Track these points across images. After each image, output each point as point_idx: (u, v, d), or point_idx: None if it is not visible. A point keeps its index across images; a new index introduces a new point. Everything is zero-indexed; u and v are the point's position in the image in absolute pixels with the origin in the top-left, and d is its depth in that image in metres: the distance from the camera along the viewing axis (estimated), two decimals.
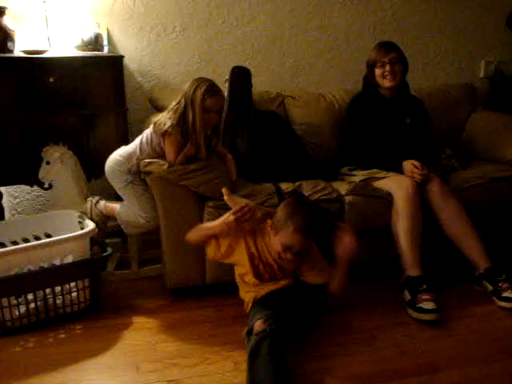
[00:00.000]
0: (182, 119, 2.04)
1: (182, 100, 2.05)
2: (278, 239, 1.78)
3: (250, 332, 1.71)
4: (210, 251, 1.90)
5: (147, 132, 2.15)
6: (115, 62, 2.50)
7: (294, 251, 1.77)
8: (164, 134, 2.05)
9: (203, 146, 2.05)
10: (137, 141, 2.17)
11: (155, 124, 2.09)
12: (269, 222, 1.83)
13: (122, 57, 2.54)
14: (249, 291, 1.92)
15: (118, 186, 2.22)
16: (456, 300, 2.10)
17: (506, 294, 2.04)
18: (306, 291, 1.90)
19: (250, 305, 1.90)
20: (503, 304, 2.04)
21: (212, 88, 2.05)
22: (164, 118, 2.07)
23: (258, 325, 1.69)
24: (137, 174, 2.17)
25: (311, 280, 1.90)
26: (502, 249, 2.34)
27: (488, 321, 1.97)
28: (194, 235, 1.92)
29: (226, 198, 1.92)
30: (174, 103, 2.08)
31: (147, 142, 2.13)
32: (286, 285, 1.90)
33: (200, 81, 2.06)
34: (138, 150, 2.14)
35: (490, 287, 2.10)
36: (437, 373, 1.66)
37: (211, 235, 1.88)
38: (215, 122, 2.11)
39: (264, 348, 1.59)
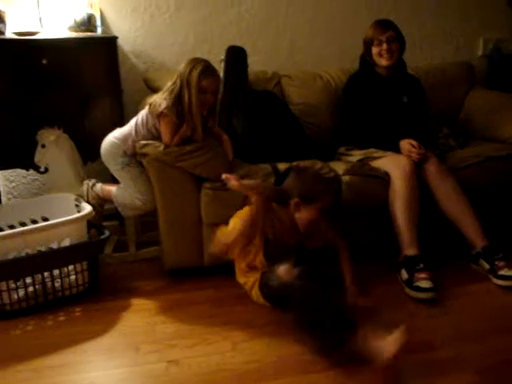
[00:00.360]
0: (177, 100, 2.02)
1: (178, 81, 2.03)
2: (311, 210, 1.83)
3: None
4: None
5: (142, 113, 2.13)
6: (109, 43, 2.47)
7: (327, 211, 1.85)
8: (159, 115, 2.04)
9: (200, 127, 2.04)
10: (132, 122, 2.16)
11: (150, 105, 2.07)
12: (295, 200, 1.85)
13: (116, 38, 2.52)
14: (249, 271, 1.93)
15: (113, 168, 2.21)
16: (453, 278, 2.10)
17: (502, 272, 2.05)
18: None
19: (255, 286, 1.91)
20: (499, 282, 2.05)
21: (208, 68, 2.03)
22: (159, 99, 2.05)
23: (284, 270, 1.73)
24: (133, 156, 2.16)
25: (318, 241, 1.94)
26: (499, 227, 2.34)
27: (484, 299, 1.99)
28: (219, 246, 1.88)
29: (235, 183, 1.90)
30: (169, 84, 2.06)
31: (142, 124, 2.11)
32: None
33: (196, 61, 2.04)
34: (133, 132, 2.12)
35: (487, 265, 2.11)
36: (433, 351, 1.67)
37: (237, 237, 1.86)
38: (211, 103, 2.10)
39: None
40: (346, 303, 1.74)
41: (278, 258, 1.84)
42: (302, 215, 1.86)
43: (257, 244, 1.88)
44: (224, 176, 1.94)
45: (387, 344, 1.48)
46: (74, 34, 2.42)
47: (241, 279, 1.98)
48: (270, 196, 1.88)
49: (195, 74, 2.00)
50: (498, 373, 1.56)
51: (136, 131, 2.12)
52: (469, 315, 1.86)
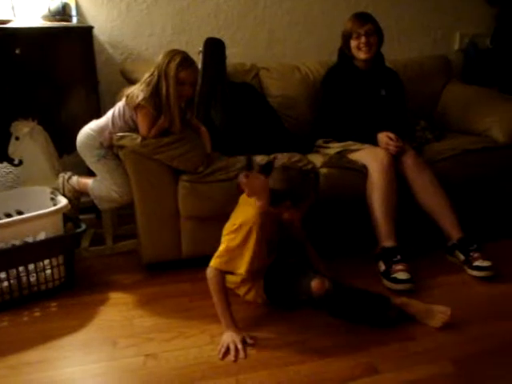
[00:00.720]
0: (155, 92, 2.00)
1: (156, 72, 2.00)
2: (299, 210, 1.81)
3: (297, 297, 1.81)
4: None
5: (119, 105, 2.10)
6: (84, 33, 2.43)
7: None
8: (137, 107, 2.01)
9: (177, 119, 2.02)
10: (109, 114, 2.13)
11: (127, 97, 2.05)
12: (287, 203, 1.78)
13: (92, 27, 2.48)
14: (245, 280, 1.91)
15: (90, 160, 2.18)
16: (429, 270, 2.13)
17: (477, 263, 2.08)
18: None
19: (254, 287, 1.89)
20: (474, 273, 2.08)
21: (186, 60, 2.01)
22: (137, 91, 2.02)
23: (317, 286, 1.73)
24: (109, 148, 2.13)
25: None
26: (475, 219, 2.38)
27: (460, 290, 2.02)
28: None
29: (244, 181, 1.85)
30: (146, 75, 2.04)
31: (119, 116, 2.08)
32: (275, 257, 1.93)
33: (173, 53, 2.02)
34: (110, 124, 2.09)
35: (462, 257, 2.14)
36: (411, 341, 1.69)
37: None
38: (189, 95, 2.08)
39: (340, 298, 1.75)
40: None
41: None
42: (291, 215, 1.82)
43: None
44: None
45: (439, 311, 1.76)
46: (48, 24, 2.37)
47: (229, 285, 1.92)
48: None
49: (173, 65, 1.97)
50: (474, 362, 1.59)
51: (113, 123, 2.09)
52: (446, 306, 1.88)
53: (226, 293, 1.76)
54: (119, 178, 2.14)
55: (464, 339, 1.70)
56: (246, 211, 1.81)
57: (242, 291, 1.94)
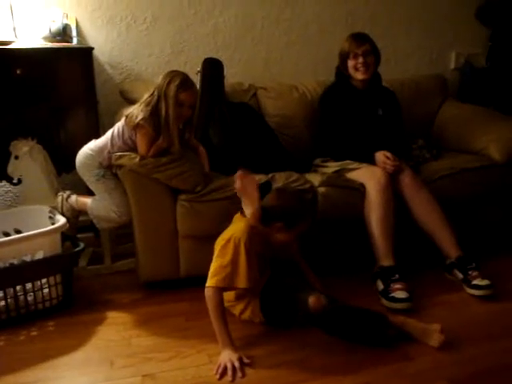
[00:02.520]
0: (154, 112, 2.01)
1: (155, 93, 2.02)
2: (292, 233, 1.83)
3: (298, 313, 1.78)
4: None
5: (119, 125, 2.12)
6: (84, 54, 2.45)
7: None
8: (136, 127, 2.03)
9: (177, 140, 2.03)
10: (108, 134, 2.14)
11: (127, 117, 2.06)
12: (279, 224, 1.80)
13: (92, 48, 2.50)
14: (240, 298, 1.92)
15: (89, 180, 2.19)
16: (428, 288, 2.13)
17: (475, 282, 2.08)
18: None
19: (250, 306, 1.89)
20: (473, 292, 2.08)
21: (186, 81, 2.03)
22: (136, 111, 2.04)
23: (315, 301, 1.71)
24: (108, 168, 2.14)
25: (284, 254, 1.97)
26: (473, 238, 2.38)
27: (458, 308, 2.01)
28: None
29: (239, 183, 1.84)
30: (146, 96, 2.06)
31: (118, 135, 2.10)
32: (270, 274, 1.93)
33: (173, 74, 2.04)
34: (109, 144, 2.11)
35: (461, 275, 2.14)
36: (409, 361, 1.69)
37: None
38: (188, 116, 2.10)
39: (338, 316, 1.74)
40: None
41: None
42: (282, 237, 1.84)
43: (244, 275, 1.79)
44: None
45: (432, 330, 1.76)
46: (49, 45, 2.40)
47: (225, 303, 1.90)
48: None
49: (173, 86, 1.99)
50: (472, 381, 1.58)
51: (112, 143, 2.10)
52: (444, 325, 1.87)
53: (224, 312, 1.76)
54: (118, 198, 2.15)
55: (462, 359, 1.69)
56: (236, 226, 1.83)
57: (237, 310, 1.93)
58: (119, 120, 2.15)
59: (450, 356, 1.70)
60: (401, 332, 1.78)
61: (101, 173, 2.14)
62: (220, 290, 1.75)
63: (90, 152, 2.14)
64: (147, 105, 2.03)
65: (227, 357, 1.66)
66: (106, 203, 2.17)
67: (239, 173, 1.84)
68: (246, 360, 1.67)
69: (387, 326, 1.77)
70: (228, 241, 1.77)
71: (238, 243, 1.75)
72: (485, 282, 2.06)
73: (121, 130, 2.10)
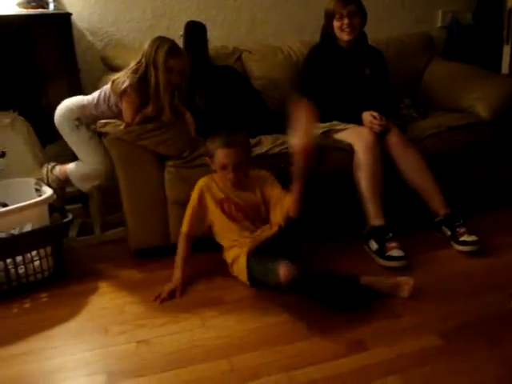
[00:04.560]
0: (142, 79, 1.98)
1: (143, 60, 1.99)
2: (216, 165, 1.93)
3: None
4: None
5: (105, 89, 2.09)
6: (62, 20, 2.39)
7: (232, 167, 1.90)
8: (122, 94, 2.00)
9: (168, 108, 2.01)
10: (94, 95, 2.11)
11: (113, 82, 2.02)
12: (206, 159, 1.98)
13: (70, 14, 2.43)
14: (232, 246, 1.94)
15: (64, 131, 2.15)
16: (417, 246, 2.14)
17: (463, 238, 2.11)
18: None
19: (237, 261, 1.92)
20: (461, 248, 2.11)
21: (174, 48, 2.00)
22: (122, 77, 2.00)
23: (285, 272, 1.69)
24: (86, 125, 2.13)
25: (280, 216, 1.93)
26: (460, 195, 2.40)
27: (447, 264, 2.04)
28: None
29: None
30: (133, 63, 2.02)
31: (104, 99, 2.07)
32: (272, 235, 1.93)
33: (161, 40, 2.00)
34: (93, 104, 2.09)
35: (449, 232, 2.17)
36: (399, 317, 1.72)
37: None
38: (178, 83, 2.06)
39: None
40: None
41: None
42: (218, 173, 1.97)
43: (219, 215, 1.98)
44: None
45: (403, 282, 1.81)
46: (24, 11, 2.32)
47: (224, 255, 2.01)
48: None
49: (161, 53, 1.96)
50: (460, 334, 1.61)
51: (96, 105, 2.08)
52: (433, 281, 1.92)
53: (185, 253, 1.97)
54: (93, 147, 2.14)
55: (450, 313, 1.72)
56: None
57: (229, 257, 1.97)
58: (102, 86, 2.11)
59: (438, 310, 1.73)
60: (369, 292, 1.80)
61: (76, 123, 2.12)
62: (183, 233, 1.98)
63: (72, 106, 2.12)
64: (135, 72, 1.99)
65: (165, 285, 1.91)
66: (80, 156, 2.15)
67: None
68: (177, 295, 1.88)
69: (356, 288, 1.78)
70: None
71: (195, 187, 1.98)
72: (472, 238, 2.09)
73: (107, 94, 2.07)
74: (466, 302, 1.77)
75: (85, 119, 2.10)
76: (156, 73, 1.96)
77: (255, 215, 2.00)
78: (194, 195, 1.99)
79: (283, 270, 1.69)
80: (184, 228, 1.99)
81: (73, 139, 2.15)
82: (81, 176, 2.20)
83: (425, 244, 2.18)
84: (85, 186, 2.24)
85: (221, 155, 1.90)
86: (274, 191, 1.99)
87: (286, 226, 1.91)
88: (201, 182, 2.00)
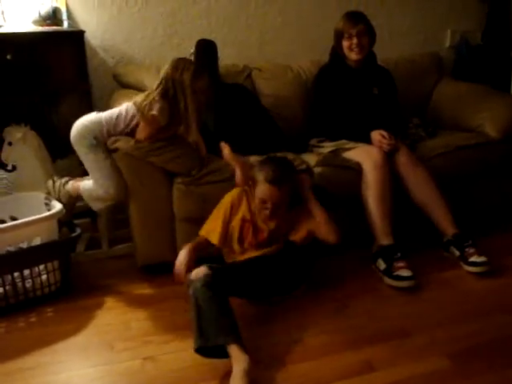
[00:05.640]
0: (172, 104, 1.99)
1: (170, 83, 1.99)
2: (255, 194, 1.85)
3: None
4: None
5: (128, 108, 2.06)
6: (76, 38, 2.42)
7: (271, 204, 1.82)
8: (151, 118, 1.98)
9: (195, 128, 2.02)
10: (114, 111, 2.08)
11: (139, 105, 2.01)
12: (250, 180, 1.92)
13: (83, 32, 2.46)
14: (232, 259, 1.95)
15: (80, 151, 2.11)
16: (425, 266, 2.13)
17: (472, 259, 2.09)
18: (292, 258, 1.91)
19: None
20: (470, 269, 2.09)
21: (198, 70, 2.02)
22: (149, 100, 1.99)
23: (202, 270, 1.74)
24: (102, 143, 2.11)
25: (298, 237, 1.91)
26: (470, 215, 2.39)
27: (456, 285, 2.03)
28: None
29: (227, 152, 2.06)
30: (157, 86, 2.01)
31: (125, 121, 2.05)
32: (270, 252, 1.90)
33: (185, 62, 2.02)
34: (112, 122, 2.05)
35: (458, 253, 2.15)
36: (407, 337, 1.70)
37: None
38: (205, 101, 2.08)
39: (208, 291, 1.64)
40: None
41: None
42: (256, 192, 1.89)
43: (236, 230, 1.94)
44: (222, 144, 2.07)
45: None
46: (39, 28, 2.36)
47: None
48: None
49: (187, 75, 1.98)
50: (469, 356, 1.60)
51: (115, 125, 2.05)
52: (442, 301, 1.90)
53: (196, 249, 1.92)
54: (106, 170, 2.08)
55: (460, 334, 1.70)
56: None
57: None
58: (113, 104, 2.12)
59: (447, 332, 1.72)
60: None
61: (93, 143, 2.08)
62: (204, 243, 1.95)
63: (87, 123, 2.07)
64: (163, 96, 1.99)
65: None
66: (97, 177, 2.11)
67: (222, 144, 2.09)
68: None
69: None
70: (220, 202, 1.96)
71: (224, 199, 1.94)
72: (481, 259, 2.08)
73: (129, 114, 2.04)
74: (476, 324, 1.76)
75: (102, 138, 2.08)
76: (184, 96, 1.98)
77: (268, 242, 1.94)
78: (224, 206, 1.93)
79: (195, 272, 1.76)
80: (214, 240, 1.92)
81: (88, 159, 2.12)
82: (93, 196, 2.18)
83: (433, 264, 2.17)
84: (96, 206, 2.23)
85: (263, 190, 1.83)
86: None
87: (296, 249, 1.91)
88: (232, 195, 1.95)
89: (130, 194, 2.08)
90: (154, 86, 2.03)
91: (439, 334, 1.71)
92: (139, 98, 2.05)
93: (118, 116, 2.07)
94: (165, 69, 2.02)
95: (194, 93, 2.00)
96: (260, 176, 1.84)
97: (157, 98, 1.99)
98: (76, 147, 2.14)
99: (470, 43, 3.29)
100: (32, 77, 2.31)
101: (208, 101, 2.12)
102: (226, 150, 2.11)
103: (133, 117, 2.05)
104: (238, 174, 2.03)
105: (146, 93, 2.05)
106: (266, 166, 1.86)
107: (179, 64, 2.01)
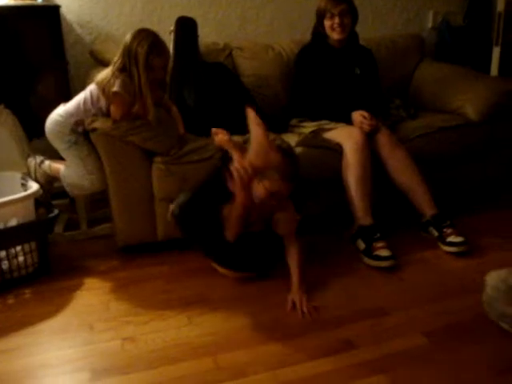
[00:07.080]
0: (129, 78, 1.93)
1: (126, 58, 1.92)
2: (262, 186, 1.78)
3: None
4: None
5: (91, 90, 2.02)
6: (51, 13, 2.37)
7: (278, 197, 1.79)
8: (113, 97, 1.94)
9: (152, 107, 1.96)
10: (79, 99, 2.04)
11: (101, 83, 1.96)
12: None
13: (58, 6, 2.41)
14: None
15: (60, 147, 2.11)
16: (404, 246, 2.16)
17: (450, 239, 2.12)
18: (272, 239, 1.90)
19: None
20: (448, 248, 2.12)
21: (155, 45, 1.93)
22: (111, 79, 1.94)
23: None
24: (81, 134, 2.07)
25: (281, 229, 1.88)
26: (448, 196, 2.41)
27: (434, 265, 2.05)
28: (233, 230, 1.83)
29: (223, 137, 1.87)
30: (117, 60, 1.96)
31: (92, 102, 2.01)
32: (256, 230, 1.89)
33: (142, 37, 1.92)
34: (81, 109, 2.02)
35: (436, 233, 2.18)
36: (385, 316, 1.72)
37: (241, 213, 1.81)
38: (161, 78, 2.03)
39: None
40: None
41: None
42: (256, 187, 1.80)
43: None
44: (214, 130, 1.93)
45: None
46: (11, 3, 2.29)
47: None
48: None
49: (142, 51, 1.89)
50: (445, 334, 1.62)
51: (84, 109, 2.01)
52: (420, 281, 1.92)
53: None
54: (91, 165, 2.09)
55: (436, 312, 1.73)
56: None
57: None
58: (91, 82, 2.07)
59: (425, 310, 1.74)
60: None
61: (72, 139, 2.06)
62: None
63: (60, 118, 2.05)
64: (121, 70, 1.94)
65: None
66: (78, 171, 2.10)
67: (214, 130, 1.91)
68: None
69: None
70: None
71: None
72: (459, 239, 2.10)
73: (94, 96, 2.00)
74: (453, 302, 1.78)
75: (77, 128, 2.03)
76: (138, 71, 1.90)
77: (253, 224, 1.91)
78: None
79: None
80: None
81: (69, 154, 2.09)
82: (72, 184, 2.15)
83: (412, 244, 2.19)
84: (74, 192, 2.20)
85: (276, 185, 1.77)
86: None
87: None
88: None
89: (108, 175, 2.05)
90: (115, 59, 1.97)
91: (417, 312, 1.73)
92: (100, 75, 1.99)
93: (84, 101, 2.02)
94: (125, 39, 1.95)
95: (150, 69, 1.93)
96: (273, 171, 1.78)
97: (117, 73, 1.93)
98: (54, 143, 2.10)
99: (451, 24, 3.29)
100: (5, 53, 2.25)
101: (162, 81, 2.06)
102: (220, 135, 1.93)
103: (98, 97, 1.99)
104: (239, 160, 1.81)
105: (107, 69, 1.99)
106: (284, 164, 1.81)
107: (137, 36, 1.92)
